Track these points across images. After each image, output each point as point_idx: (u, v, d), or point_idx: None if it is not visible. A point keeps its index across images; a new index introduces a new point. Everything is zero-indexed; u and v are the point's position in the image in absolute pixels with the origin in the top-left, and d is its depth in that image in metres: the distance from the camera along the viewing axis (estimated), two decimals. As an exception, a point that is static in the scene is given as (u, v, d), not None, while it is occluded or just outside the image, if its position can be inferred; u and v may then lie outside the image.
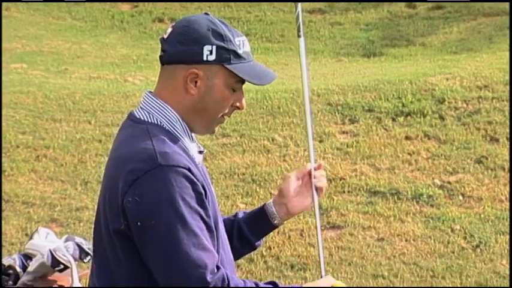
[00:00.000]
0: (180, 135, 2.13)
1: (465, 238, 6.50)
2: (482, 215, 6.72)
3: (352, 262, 6.24)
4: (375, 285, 6.07)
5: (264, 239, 2.49)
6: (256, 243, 2.42)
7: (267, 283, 2.13)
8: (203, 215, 2.06)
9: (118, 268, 2.04)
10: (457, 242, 6.46)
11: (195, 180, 2.03)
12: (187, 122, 2.14)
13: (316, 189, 2.33)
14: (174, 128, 2.12)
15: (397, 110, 8.04)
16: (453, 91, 8.26)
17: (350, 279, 5.96)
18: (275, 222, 2.39)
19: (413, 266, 6.24)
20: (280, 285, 2.15)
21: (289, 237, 6.52)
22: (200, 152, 2.16)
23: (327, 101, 8.22)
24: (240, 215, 2.39)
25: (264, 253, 6.25)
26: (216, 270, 2.01)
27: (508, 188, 6.95)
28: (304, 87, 2.36)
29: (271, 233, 6.61)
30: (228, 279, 2.05)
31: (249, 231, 2.37)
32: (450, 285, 6.02)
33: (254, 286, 2.09)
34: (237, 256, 2.37)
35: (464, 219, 6.68)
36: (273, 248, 6.37)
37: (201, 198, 2.04)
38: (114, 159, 2.11)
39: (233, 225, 2.36)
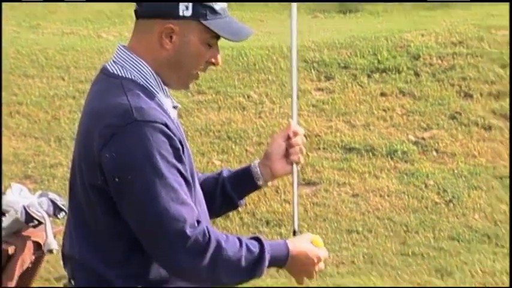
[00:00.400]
0: (155, 90, 2.12)
1: (438, 193, 6.60)
2: (455, 171, 6.81)
3: (327, 218, 6.32)
4: (350, 240, 6.16)
5: (244, 200, 2.49)
6: (239, 202, 2.42)
7: (250, 238, 2.14)
8: (181, 169, 2.06)
9: (95, 223, 2.04)
10: (431, 197, 6.56)
11: (171, 135, 2.02)
12: (162, 76, 2.13)
13: (294, 160, 2.33)
14: (148, 83, 2.10)
15: (372, 66, 8.07)
16: (428, 47, 8.29)
17: (325, 235, 6.04)
18: (259, 182, 2.39)
19: (387, 221, 6.33)
20: (264, 240, 2.16)
21: (265, 193, 6.57)
22: (174, 107, 2.16)
23: (302, 58, 8.22)
24: (225, 173, 2.39)
25: (240, 209, 6.31)
26: (196, 224, 2.02)
27: (481, 144, 7.04)
28: (292, 57, 2.35)
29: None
30: (209, 233, 2.06)
31: (232, 189, 2.38)
32: (423, 239, 6.12)
33: (237, 240, 2.10)
34: (218, 213, 2.39)
35: (437, 174, 6.77)
36: (249, 204, 6.43)
37: (178, 153, 2.04)
38: (89, 114, 2.09)
39: (217, 183, 2.37)
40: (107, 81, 2.11)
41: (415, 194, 6.59)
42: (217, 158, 6.89)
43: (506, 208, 6.42)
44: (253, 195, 6.52)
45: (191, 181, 2.10)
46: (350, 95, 7.69)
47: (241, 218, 6.24)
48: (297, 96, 8.09)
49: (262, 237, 2.18)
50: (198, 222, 2.05)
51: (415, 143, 7.12)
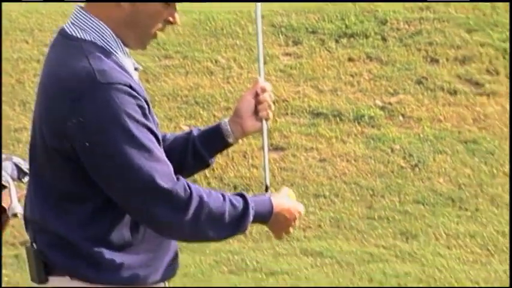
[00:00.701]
0: (115, 51, 2.09)
1: (404, 158, 6.69)
2: (421, 135, 6.90)
3: (294, 182, 6.40)
4: (316, 205, 6.25)
5: (214, 158, 2.49)
6: (210, 160, 2.43)
7: (234, 194, 2.17)
8: (151, 126, 2.06)
9: (57, 185, 2.05)
10: (397, 161, 6.65)
11: (136, 95, 2.02)
12: (121, 37, 2.10)
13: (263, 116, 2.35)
14: (108, 44, 2.08)
15: (340, 31, 8.09)
16: (395, 12, 8.32)
17: (292, 199, 6.12)
18: (229, 140, 2.41)
19: (353, 185, 6.42)
20: (248, 196, 2.18)
21: (233, 158, 6.62)
22: (136, 69, 2.15)
23: (270, 23, 8.22)
24: (195, 131, 2.40)
25: (208, 174, 6.35)
26: (175, 179, 2.02)
27: (446, 109, 7.13)
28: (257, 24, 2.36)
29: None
30: (189, 188, 2.05)
31: (203, 147, 2.38)
32: (389, 203, 6.23)
33: (220, 195, 2.11)
34: (189, 173, 2.38)
35: (404, 139, 6.86)
36: (216, 169, 6.48)
37: (145, 112, 2.04)
38: (49, 77, 2.07)
39: (188, 142, 2.37)
40: (66, 44, 2.08)
41: (381, 158, 6.68)
42: (184, 123, 6.92)
43: (471, 172, 6.54)
44: (221, 160, 6.60)
45: (161, 138, 2.11)
46: (318, 60, 7.72)
47: (208, 183, 6.29)
48: (265, 61, 8.12)
49: (246, 193, 2.20)
50: (178, 178, 2.05)
51: (382, 108, 7.20)
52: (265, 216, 2.17)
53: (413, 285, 5.30)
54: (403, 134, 6.94)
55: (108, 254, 2.07)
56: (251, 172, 6.43)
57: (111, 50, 2.07)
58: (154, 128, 2.07)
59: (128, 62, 2.12)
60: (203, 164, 2.40)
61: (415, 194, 6.34)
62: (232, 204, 2.11)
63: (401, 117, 7.13)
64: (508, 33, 7.71)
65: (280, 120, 7.05)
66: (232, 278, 5.35)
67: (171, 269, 2.22)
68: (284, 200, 2.24)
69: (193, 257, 5.59)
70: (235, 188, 6.27)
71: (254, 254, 5.67)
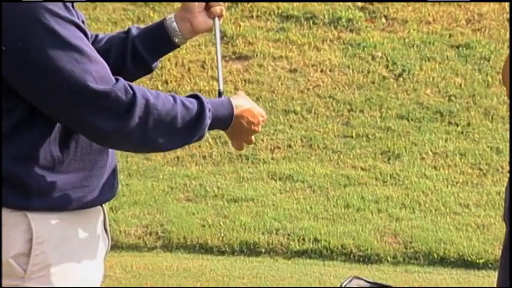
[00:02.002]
0: None
1: (387, 66, 6.82)
2: (406, 40, 7.02)
3: (260, 96, 6.49)
4: (286, 122, 6.39)
5: (158, 62, 2.43)
6: (153, 65, 2.41)
7: (188, 96, 2.14)
8: (77, 22, 2.06)
9: None
10: (378, 71, 6.78)
11: None
12: None
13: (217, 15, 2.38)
14: None
15: None
16: None
17: (258, 116, 6.24)
18: (176, 40, 2.38)
19: (328, 99, 6.56)
20: (204, 98, 2.16)
21: (189, 69, 6.70)
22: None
23: None
24: (134, 31, 2.38)
25: (160, 88, 6.42)
26: (114, 81, 2.03)
27: (436, 8, 7.22)
28: None
29: (168, 65, 6.77)
30: (132, 89, 2.04)
31: (145, 50, 2.37)
32: (369, 119, 6.38)
33: (170, 97, 2.11)
34: (128, 80, 2.28)
35: (386, 45, 6.97)
36: (171, 82, 6.57)
37: (67, 6, 2.04)
38: None
39: (126, 43, 2.36)
40: None
41: (360, 67, 6.81)
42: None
43: (462, 81, 6.69)
44: (176, 71, 6.69)
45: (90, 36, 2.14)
46: (288, -47, 7.74)
47: (161, 99, 6.39)
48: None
49: (201, 94, 2.18)
50: (117, 79, 2.06)
51: (362, 9, 7.28)
52: (225, 120, 2.18)
53: (395, 210, 5.49)
54: (385, 38, 7.06)
55: (35, 174, 2.10)
56: (210, 85, 6.52)
57: None
58: (81, 23, 2.06)
59: None
60: (145, 69, 2.40)
61: (399, 107, 6.49)
62: (185, 106, 2.11)
63: (384, 20, 7.23)
64: None
65: (245, 24, 7.12)
66: (190, 206, 5.51)
67: (110, 188, 2.26)
68: (244, 101, 2.25)
69: (145, 183, 5.74)
70: (192, 104, 6.38)
71: (214, 179, 5.84)
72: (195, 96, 2.17)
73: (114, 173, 2.28)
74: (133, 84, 2.10)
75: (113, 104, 2.05)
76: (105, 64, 2.09)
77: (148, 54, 2.38)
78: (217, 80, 2.37)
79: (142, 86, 2.15)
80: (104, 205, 2.29)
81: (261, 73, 6.72)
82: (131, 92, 2.07)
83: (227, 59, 6.74)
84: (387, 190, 5.70)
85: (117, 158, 2.36)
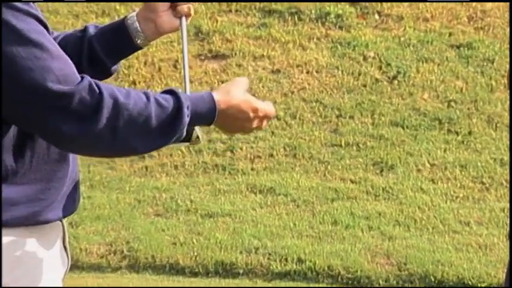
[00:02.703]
0: None
1: (380, 68, 6.83)
2: (402, 39, 7.03)
3: (239, 100, 6.49)
4: (268, 129, 6.38)
5: (121, 63, 2.48)
6: (112, 68, 2.41)
7: (163, 92, 2.12)
8: (38, 15, 2.06)
9: None
10: (370, 73, 6.78)
11: None
12: None
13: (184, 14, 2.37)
14: None
15: None
16: None
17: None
18: (138, 41, 2.39)
19: (315, 103, 6.56)
20: (181, 92, 2.16)
21: (160, 69, 6.70)
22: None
23: None
24: (91, 29, 2.39)
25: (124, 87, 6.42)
26: (78, 79, 2.04)
27: (435, 4, 7.24)
28: None
29: (136, 64, 6.76)
30: (98, 87, 2.05)
31: (103, 51, 2.38)
32: (360, 126, 6.38)
33: (142, 95, 2.11)
34: None
35: (379, 44, 6.98)
36: (139, 82, 6.55)
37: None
38: None
39: (82, 44, 2.37)
40: None
41: (350, 69, 6.81)
42: (96, 21, 6.94)
43: (463, 85, 6.70)
44: (145, 71, 6.68)
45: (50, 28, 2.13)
46: None
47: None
48: None
49: (177, 89, 2.16)
50: (82, 77, 2.06)
51: (353, 4, 7.29)
52: (207, 117, 2.16)
53: (388, 228, 5.49)
54: (379, 37, 7.07)
55: None
56: (183, 86, 6.52)
57: None
58: (41, 16, 2.06)
59: None
60: (103, 72, 2.39)
61: (393, 113, 6.50)
62: (159, 103, 2.10)
63: (376, 16, 7.25)
64: None
65: (222, 19, 7.12)
66: (159, 222, 5.50)
67: (70, 202, 2.25)
68: (234, 93, 2.19)
69: (109, 195, 5.72)
70: (163, 107, 6.37)
71: (187, 191, 5.83)
72: (170, 92, 2.13)
73: (75, 184, 2.26)
74: (100, 82, 2.09)
75: (77, 105, 2.04)
76: (69, 60, 2.08)
77: (107, 56, 2.38)
78: (184, 86, 2.37)
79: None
80: (63, 220, 2.26)
81: (240, 74, 6.71)
82: (97, 91, 2.05)
83: (202, 57, 6.73)
84: (379, 205, 5.70)
85: (79, 167, 2.34)
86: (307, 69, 6.80)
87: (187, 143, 2.39)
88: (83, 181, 5.62)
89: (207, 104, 2.17)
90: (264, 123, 2.17)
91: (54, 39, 2.35)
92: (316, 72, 6.78)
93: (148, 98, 2.11)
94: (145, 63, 6.72)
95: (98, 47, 2.38)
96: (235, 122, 2.20)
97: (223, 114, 2.18)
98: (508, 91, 6.58)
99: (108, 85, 2.09)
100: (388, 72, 6.80)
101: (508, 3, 7.15)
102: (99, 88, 2.06)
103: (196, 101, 2.15)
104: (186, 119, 2.13)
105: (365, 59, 6.89)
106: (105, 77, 2.43)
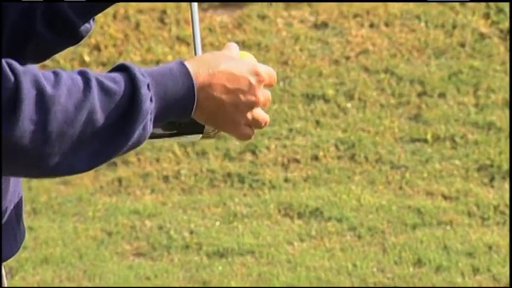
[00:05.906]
0: None
1: (488, 16, 6.89)
2: None
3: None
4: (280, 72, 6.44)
5: (93, 22, 2.55)
6: (82, 28, 2.53)
7: (111, 70, 2.14)
8: None
9: None
10: (472, 24, 6.84)
11: None
12: None
13: None
14: None
15: None
16: None
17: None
18: None
19: (384, 75, 6.64)
20: (136, 69, 2.11)
21: (138, 25, 6.78)
22: None
23: None
24: None
25: (87, 60, 6.49)
26: None
27: None
28: None
29: (102, 18, 6.83)
30: (14, 74, 2.09)
31: (69, 5, 2.49)
32: (456, 108, 6.44)
33: (78, 77, 2.13)
34: (47, 53, 2.52)
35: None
36: (105, 47, 6.63)
37: None
38: None
39: None
40: None
41: (440, 19, 6.88)
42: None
43: None
44: (115, 28, 6.71)
45: None
46: None
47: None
48: None
49: (130, 63, 2.21)
50: None
51: None
52: (182, 100, 2.19)
53: (505, 270, 5.54)
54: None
55: None
56: (175, 51, 6.59)
57: None
58: None
59: None
60: (70, 36, 2.51)
61: (510, 90, 6.56)
62: (104, 89, 2.15)
63: None
64: None
65: None
66: (142, 265, 5.59)
67: (11, 238, 2.34)
68: (217, 58, 2.25)
69: (61, 225, 5.82)
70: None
71: (185, 217, 5.91)
72: (121, 69, 2.19)
73: (17, 212, 2.35)
74: (16, 64, 2.10)
75: None
76: None
77: (75, 11, 2.48)
78: (194, 43, 2.38)
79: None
80: (1, 266, 2.34)
81: (263, 31, 6.80)
82: (12, 78, 2.09)
83: (205, 5, 6.80)
84: (490, 234, 5.79)
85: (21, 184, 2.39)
86: (371, 21, 6.87)
87: (198, 136, 2.35)
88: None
89: (180, 79, 2.20)
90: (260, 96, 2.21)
91: None
92: (386, 25, 6.85)
93: (88, 82, 2.14)
94: (114, 17, 6.84)
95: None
96: (229, 97, 2.22)
97: (206, 92, 2.21)
98: None
99: (28, 68, 2.11)
100: (500, 23, 6.86)
101: None
102: (15, 73, 2.09)
103: (162, 78, 2.19)
104: (149, 106, 2.16)
105: (463, 4, 6.95)
106: (71, 43, 2.48)
